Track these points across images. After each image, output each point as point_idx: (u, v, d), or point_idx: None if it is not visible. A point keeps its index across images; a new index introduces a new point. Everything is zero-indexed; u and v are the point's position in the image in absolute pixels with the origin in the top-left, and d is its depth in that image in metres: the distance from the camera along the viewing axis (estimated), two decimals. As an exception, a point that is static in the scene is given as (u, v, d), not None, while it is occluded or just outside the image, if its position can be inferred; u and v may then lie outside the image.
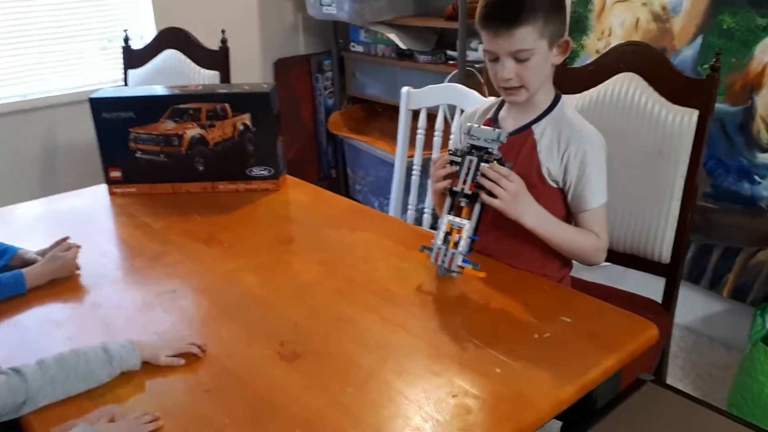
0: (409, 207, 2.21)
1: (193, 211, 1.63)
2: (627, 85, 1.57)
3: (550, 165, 1.28)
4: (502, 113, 1.37)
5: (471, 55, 2.43)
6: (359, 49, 2.87)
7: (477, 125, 1.20)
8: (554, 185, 1.30)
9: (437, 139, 2.09)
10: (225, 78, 2.22)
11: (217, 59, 2.22)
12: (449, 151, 1.22)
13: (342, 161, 3.09)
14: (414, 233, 1.47)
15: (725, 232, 2.11)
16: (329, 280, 1.26)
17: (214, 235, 1.49)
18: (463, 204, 1.20)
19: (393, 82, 2.77)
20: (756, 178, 1.99)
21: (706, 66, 2.00)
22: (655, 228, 1.53)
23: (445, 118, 2.16)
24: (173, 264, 1.36)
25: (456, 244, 1.18)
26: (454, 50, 2.54)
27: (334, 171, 3.20)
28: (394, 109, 2.96)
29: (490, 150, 1.17)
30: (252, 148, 1.73)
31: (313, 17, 2.84)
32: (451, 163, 1.21)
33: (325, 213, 1.61)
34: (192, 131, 1.71)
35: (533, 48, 1.20)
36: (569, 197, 1.30)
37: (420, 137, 2.14)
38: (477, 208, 1.19)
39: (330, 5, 2.62)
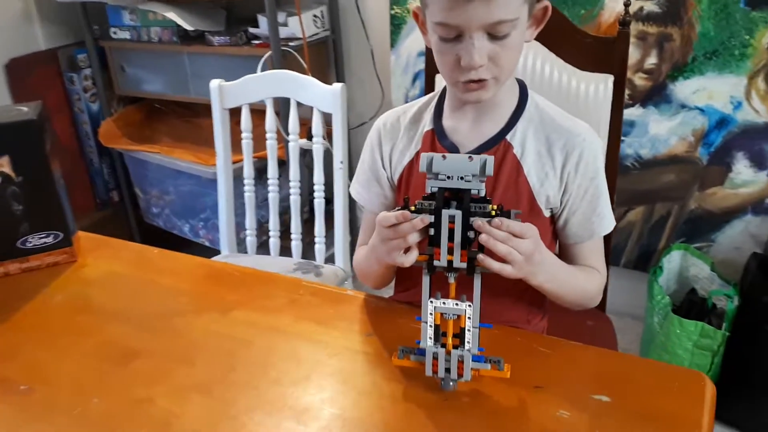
0: (247, 232, 1.73)
1: (-60, 329, 0.99)
2: (525, 55, 1.28)
3: (549, 189, 0.92)
4: (447, 121, 0.96)
5: (282, 32, 1.97)
6: (124, 35, 2.23)
7: (441, 156, 0.77)
8: (547, 213, 0.95)
9: (271, 143, 1.64)
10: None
11: None
12: (414, 206, 0.79)
13: (126, 180, 2.44)
14: (315, 293, 1.03)
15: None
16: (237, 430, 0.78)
17: (-8, 369, 0.90)
18: (451, 280, 0.79)
19: (180, 73, 2.20)
20: (618, 135, 1.87)
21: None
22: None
23: (278, 114, 1.70)
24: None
25: (459, 340, 0.78)
26: (254, 26, 2.05)
27: (116, 194, 2.53)
28: (184, 106, 2.40)
29: (473, 191, 0.76)
30: (21, 208, 1.12)
31: (53, 0, 2.13)
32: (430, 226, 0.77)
33: (166, 288, 1.08)
34: None
35: (516, 18, 0.82)
36: (566, 225, 0.95)
37: (247, 142, 1.66)
38: (477, 282, 0.78)
39: (77, -19, 1.95)
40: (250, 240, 1.74)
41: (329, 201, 1.61)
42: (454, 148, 0.94)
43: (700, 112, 1.74)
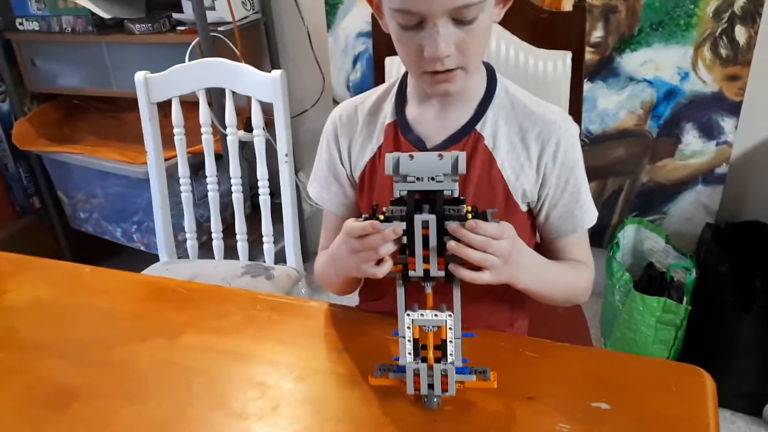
0: (187, 235, 1.61)
1: None
2: (477, 31, 1.20)
3: (525, 182, 0.85)
4: (411, 112, 0.87)
5: (209, 16, 1.82)
6: (33, 26, 2.03)
7: (408, 156, 0.68)
8: (525, 207, 0.88)
9: (207, 137, 1.52)
10: None
11: None
12: (382, 213, 0.70)
13: (47, 185, 2.24)
14: (274, 308, 0.93)
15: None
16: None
17: None
18: (428, 289, 0.71)
19: (99, 65, 2.02)
20: (567, 111, 1.83)
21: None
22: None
23: (210, 105, 1.58)
24: None
25: (440, 352, 0.71)
26: (178, 11, 1.90)
27: (37, 199, 2.32)
28: (106, 101, 2.23)
29: (446, 192, 0.68)
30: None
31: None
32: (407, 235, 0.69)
33: (103, 312, 0.96)
34: None
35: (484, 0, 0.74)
36: (548, 219, 0.88)
37: (180, 138, 1.53)
38: (457, 291, 0.71)
39: (-27, -33, 1.74)
40: (191, 244, 1.61)
41: (272, 195, 1.51)
42: (419, 142, 0.85)
43: (648, 84, 1.72)
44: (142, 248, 2.11)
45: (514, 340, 0.83)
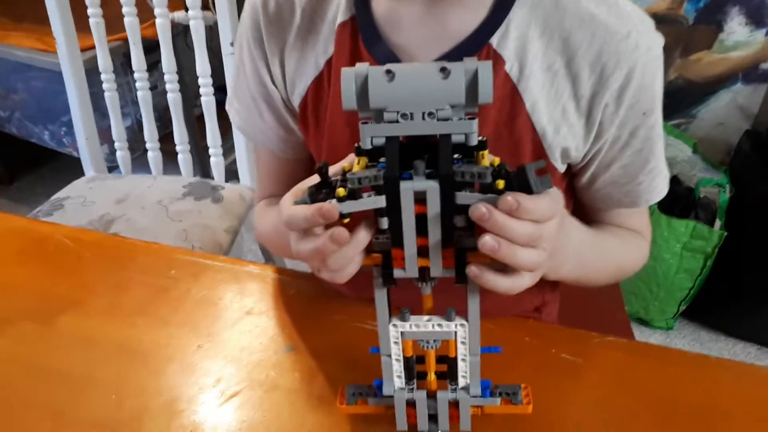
0: (117, 144, 1.30)
1: None
2: None
3: (568, 137, 0.52)
4: (381, 4, 0.52)
5: None
6: None
7: (383, 72, 0.36)
8: (563, 168, 0.56)
9: (130, 20, 1.19)
10: None
11: None
12: (341, 182, 0.38)
13: (-43, 76, 1.88)
14: (197, 274, 0.65)
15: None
16: None
17: None
18: (426, 291, 0.42)
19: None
20: None
21: None
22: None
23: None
24: None
25: (451, 375, 0.45)
26: None
27: (-53, 93, 1.96)
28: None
29: (455, 136, 0.37)
30: None
31: None
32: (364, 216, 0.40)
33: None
34: None
35: None
36: (592, 183, 0.58)
37: (96, 21, 1.20)
38: (474, 298, 0.42)
39: None
40: (122, 155, 1.31)
41: (223, 89, 1.19)
42: (392, 60, 0.51)
43: (689, -46, 1.38)
44: (75, 154, 1.78)
45: (544, 334, 0.57)
